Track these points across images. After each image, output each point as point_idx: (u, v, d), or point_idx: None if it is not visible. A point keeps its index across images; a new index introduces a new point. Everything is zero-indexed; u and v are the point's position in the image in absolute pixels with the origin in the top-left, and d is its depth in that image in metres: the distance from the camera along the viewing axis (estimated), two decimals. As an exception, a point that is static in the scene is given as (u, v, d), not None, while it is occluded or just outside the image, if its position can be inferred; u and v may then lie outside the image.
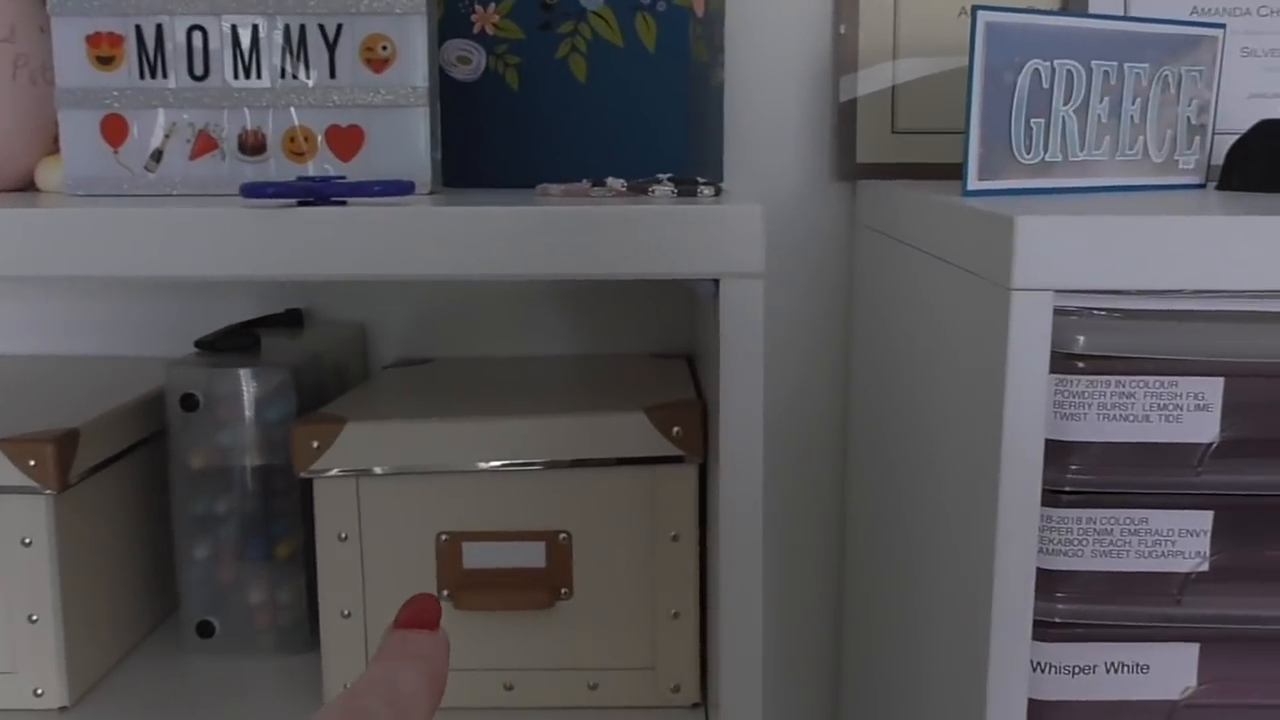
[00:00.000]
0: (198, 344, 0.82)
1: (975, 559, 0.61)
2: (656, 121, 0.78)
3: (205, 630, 0.79)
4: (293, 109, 0.70)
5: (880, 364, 0.86)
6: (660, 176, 0.68)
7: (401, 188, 0.62)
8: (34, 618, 0.71)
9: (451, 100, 0.78)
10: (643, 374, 0.84)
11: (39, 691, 0.71)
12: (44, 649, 0.71)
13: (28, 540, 0.70)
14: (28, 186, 0.77)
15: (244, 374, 0.77)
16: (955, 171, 0.91)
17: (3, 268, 0.59)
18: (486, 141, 0.79)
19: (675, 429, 0.69)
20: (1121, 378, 0.58)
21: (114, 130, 0.70)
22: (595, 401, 0.74)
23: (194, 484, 0.77)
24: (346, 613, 0.71)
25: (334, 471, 0.69)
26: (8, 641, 0.71)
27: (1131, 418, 0.58)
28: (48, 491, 0.69)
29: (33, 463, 0.69)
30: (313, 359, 0.82)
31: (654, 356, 0.93)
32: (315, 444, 0.69)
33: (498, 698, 0.72)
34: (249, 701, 0.73)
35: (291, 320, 0.93)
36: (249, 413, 0.77)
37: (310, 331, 0.91)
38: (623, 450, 0.69)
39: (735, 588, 0.60)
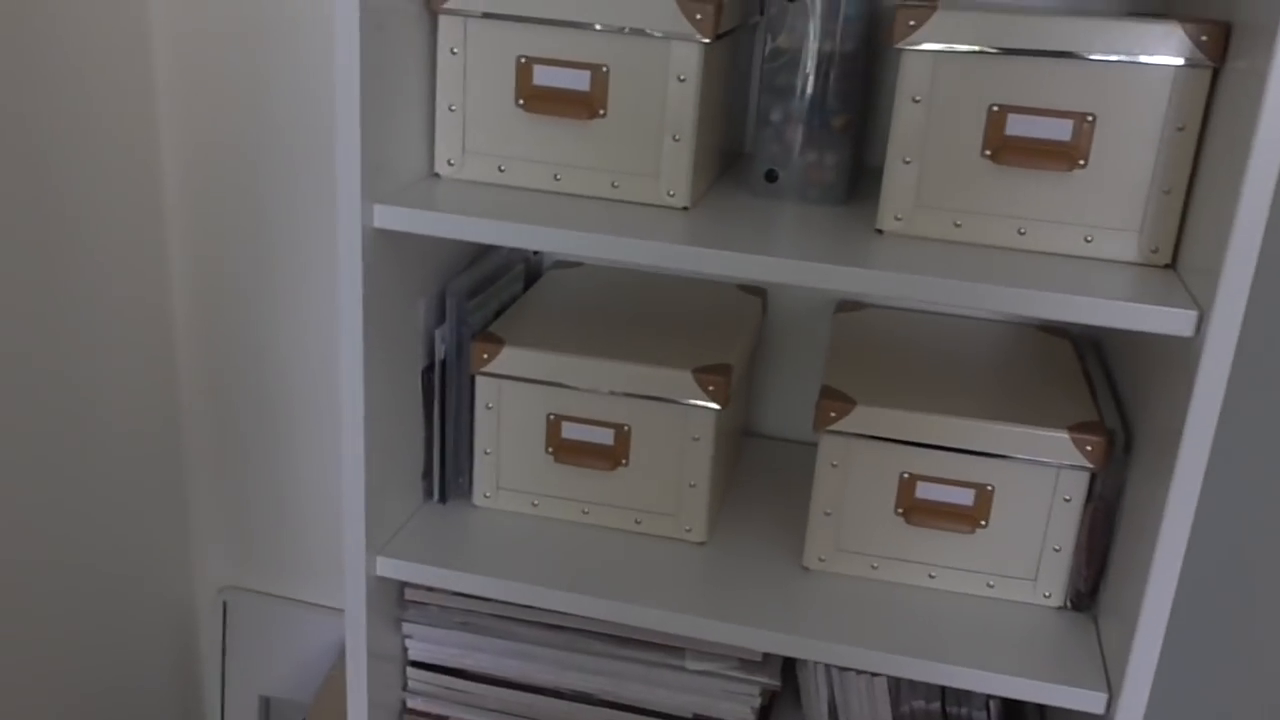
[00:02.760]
0: (783, -45, 1.03)
1: None
2: None
3: (771, 177, 1.04)
4: None
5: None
6: None
7: None
8: (677, 137, 0.97)
9: None
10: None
11: (671, 193, 0.98)
12: (681, 164, 0.97)
13: (682, 77, 0.95)
14: None
15: (831, -24, 0.98)
16: None
17: None
18: None
19: (1203, 38, 0.86)
20: None
21: None
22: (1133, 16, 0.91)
23: (780, 59, 1.01)
24: (908, 160, 0.94)
25: (920, 47, 0.91)
26: (656, 157, 0.98)
27: None
28: (701, 40, 0.94)
29: (699, 16, 0.93)
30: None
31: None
32: (912, 22, 0.90)
33: (1012, 240, 0.94)
34: (799, 232, 0.98)
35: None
36: (833, 6, 0.98)
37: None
38: (1150, 52, 0.87)
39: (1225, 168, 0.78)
